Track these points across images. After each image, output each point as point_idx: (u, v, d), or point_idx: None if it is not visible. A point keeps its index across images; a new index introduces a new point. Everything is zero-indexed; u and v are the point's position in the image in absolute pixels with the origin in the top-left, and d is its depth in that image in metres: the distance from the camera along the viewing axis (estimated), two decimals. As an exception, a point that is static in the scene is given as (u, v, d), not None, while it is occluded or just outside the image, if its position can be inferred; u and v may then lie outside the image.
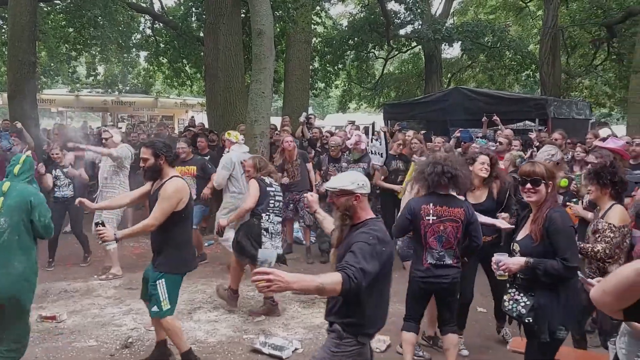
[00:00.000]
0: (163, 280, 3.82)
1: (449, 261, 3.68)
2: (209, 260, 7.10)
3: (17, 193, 3.58)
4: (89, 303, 5.52)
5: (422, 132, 9.74)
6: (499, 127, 8.32)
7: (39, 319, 4.90)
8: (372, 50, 19.35)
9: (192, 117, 19.14)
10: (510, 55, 17.63)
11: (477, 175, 4.40)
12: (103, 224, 3.75)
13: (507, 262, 3.02)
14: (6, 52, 13.06)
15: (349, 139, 7.37)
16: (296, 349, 4.36)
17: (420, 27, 16.31)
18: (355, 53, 18.60)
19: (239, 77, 11.04)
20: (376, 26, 17.02)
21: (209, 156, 8.51)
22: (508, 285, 3.21)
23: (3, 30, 15.33)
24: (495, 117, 8.42)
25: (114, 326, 4.88)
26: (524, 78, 19.63)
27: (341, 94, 22.07)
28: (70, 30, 15.80)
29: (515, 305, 3.06)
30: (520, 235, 3.16)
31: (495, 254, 3.14)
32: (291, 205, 7.16)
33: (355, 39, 17.49)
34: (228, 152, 6.69)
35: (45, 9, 14.44)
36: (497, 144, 7.10)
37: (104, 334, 4.69)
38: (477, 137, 8.72)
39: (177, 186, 3.83)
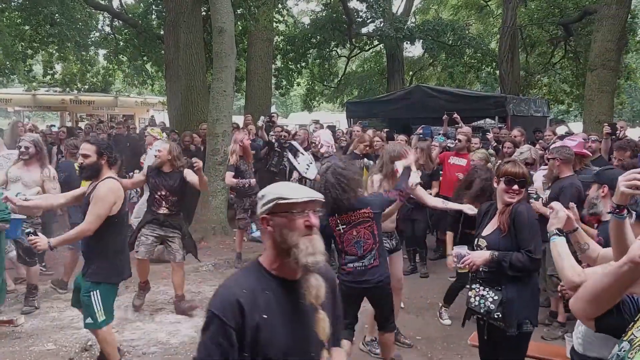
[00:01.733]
0: (97, 291, 3.63)
1: (373, 262, 3.58)
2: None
3: None
4: (47, 306, 5.40)
5: (385, 130, 9.89)
6: (459, 125, 8.52)
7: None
8: (335, 48, 19.45)
9: (153, 116, 18.88)
10: (470, 53, 18.01)
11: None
12: (35, 233, 3.53)
13: (472, 256, 3.01)
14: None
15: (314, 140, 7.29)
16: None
17: (382, 25, 16.48)
18: (317, 51, 18.67)
19: (201, 75, 10.96)
20: (338, 24, 17.13)
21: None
22: (470, 280, 3.21)
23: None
24: (455, 115, 8.62)
25: (73, 329, 4.79)
26: (484, 75, 20.08)
27: (305, 92, 22.11)
28: (26, 27, 15.29)
29: (482, 301, 3.02)
30: (486, 231, 3.14)
31: (455, 247, 3.16)
32: (250, 211, 6.96)
33: (318, 37, 17.56)
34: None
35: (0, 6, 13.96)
36: (457, 141, 7.26)
37: (62, 337, 4.61)
38: (438, 134, 8.92)
39: (111, 187, 3.64)
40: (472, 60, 18.64)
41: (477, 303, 3.06)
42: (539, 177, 5.23)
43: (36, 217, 5.16)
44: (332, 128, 13.00)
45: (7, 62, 16.20)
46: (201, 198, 8.32)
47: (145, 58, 16.77)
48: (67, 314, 5.15)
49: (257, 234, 7.81)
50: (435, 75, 23.01)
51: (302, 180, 6.45)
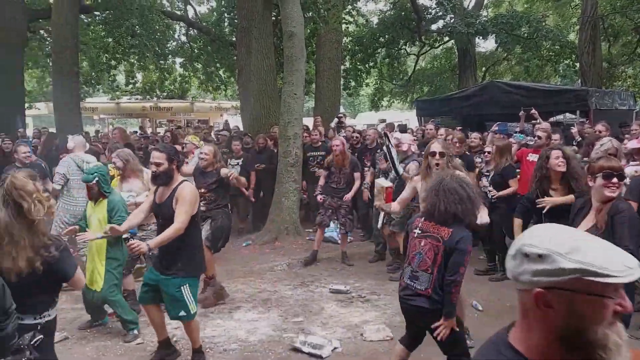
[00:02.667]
0: (187, 284, 3.90)
1: (419, 287, 3.22)
2: (247, 260, 7.25)
3: None
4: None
5: (458, 127, 9.66)
6: (537, 121, 8.17)
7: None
8: (404, 46, 19.24)
9: (226, 120, 19.47)
10: (547, 46, 17.23)
11: (555, 170, 4.33)
12: (132, 238, 3.81)
13: None
14: (51, 64, 13.64)
15: (381, 137, 7.32)
16: (335, 348, 4.42)
17: (452, 21, 16.11)
18: (386, 50, 18.54)
19: (272, 79, 11.20)
20: (407, 22, 16.94)
21: (242, 159, 8.69)
22: None
23: (47, 43, 15.99)
24: (533, 111, 8.27)
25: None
26: (563, 68, 19.14)
27: (373, 92, 22.02)
28: (110, 40, 16.36)
29: None
30: (580, 228, 2.99)
31: None
32: (330, 211, 7.04)
33: (386, 36, 17.44)
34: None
35: (85, 20, 14.99)
36: (536, 138, 6.97)
37: (150, 332, 4.84)
38: (515, 132, 8.59)
39: (192, 188, 3.90)
40: (550, 53, 17.81)
41: None
42: (629, 171, 4.92)
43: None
44: (403, 127, 12.86)
45: (93, 73, 17.35)
46: (274, 199, 8.50)
47: (218, 64, 17.40)
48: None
49: (331, 233, 7.88)
50: (510, 69, 22.19)
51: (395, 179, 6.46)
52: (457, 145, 6.86)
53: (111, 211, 4.50)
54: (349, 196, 6.89)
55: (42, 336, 2.49)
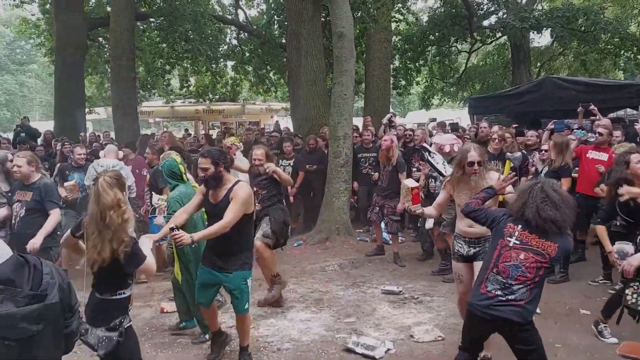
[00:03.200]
0: (250, 278, 4.09)
1: (512, 297, 3.02)
2: (299, 260, 7.31)
3: None
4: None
5: (513, 125, 9.39)
6: (597, 117, 7.83)
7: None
8: (455, 44, 18.88)
9: (277, 121, 19.69)
10: (606, 39, 16.45)
11: (638, 174, 4.21)
12: (178, 228, 3.77)
13: (631, 260, 2.78)
14: (109, 70, 14.23)
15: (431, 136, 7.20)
16: (388, 350, 4.38)
17: (505, 16, 15.67)
18: (436, 48, 18.25)
19: (321, 80, 11.25)
20: (458, 19, 16.60)
21: (294, 159, 8.77)
22: (631, 278, 2.99)
23: (106, 50, 16.69)
24: (592, 107, 7.93)
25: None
26: (624, 62, 18.22)
27: (423, 90, 21.71)
28: (164, 45, 16.89)
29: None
30: None
31: (616, 243, 2.94)
32: (377, 208, 7.20)
33: (437, 33, 17.15)
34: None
35: (141, 27, 15.52)
36: (597, 135, 6.68)
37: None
38: (576, 128, 8.25)
39: (247, 189, 3.99)
40: (609, 47, 16.99)
41: (634, 300, 2.83)
42: None
43: None
44: (454, 126, 12.62)
45: (149, 78, 17.95)
46: (325, 199, 8.53)
47: (268, 67, 17.64)
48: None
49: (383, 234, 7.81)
50: (566, 65, 21.35)
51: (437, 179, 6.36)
52: (496, 142, 6.59)
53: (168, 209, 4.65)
54: (400, 207, 6.58)
55: (131, 322, 3.01)
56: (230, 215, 3.81)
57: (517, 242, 3.08)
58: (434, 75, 20.42)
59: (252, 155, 5.68)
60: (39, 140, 11.34)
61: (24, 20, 19.64)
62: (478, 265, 3.90)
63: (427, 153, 6.08)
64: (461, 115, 22.93)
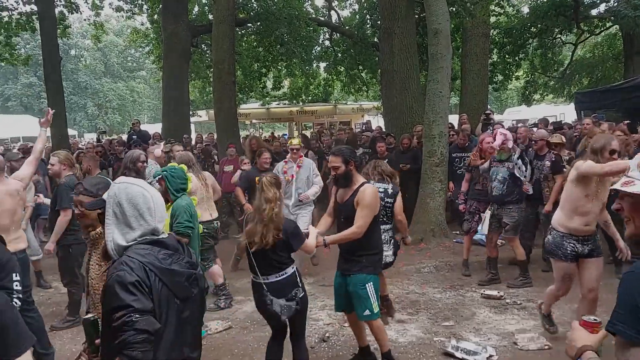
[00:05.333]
0: (372, 282, 3.90)
1: None
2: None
3: None
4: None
5: (625, 122, 8.68)
6: None
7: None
8: (559, 35, 17.77)
9: (368, 121, 19.68)
10: None
11: None
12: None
13: None
14: (211, 74, 14.99)
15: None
16: (490, 356, 4.22)
17: (616, 4, 14.48)
18: (538, 41, 17.29)
19: (415, 78, 11.09)
20: (563, 9, 15.59)
21: (387, 159, 8.69)
22: None
23: (207, 55, 17.60)
24: None
25: (311, 320, 5.24)
26: None
27: (523, 85, 20.64)
28: (260, 49, 17.50)
29: None
30: None
31: None
32: (477, 216, 6.63)
33: (539, 25, 16.24)
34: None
35: (239, 32, 16.19)
36: None
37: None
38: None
39: (373, 191, 3.87)
40: None
41: None
42: None
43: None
44: (558, 124, 11.90)
45: (246, 81, 18.68)
46: (419, 200, 8.40)
47: (360, 66, 17.67)
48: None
49: (480, 236, 7.56)
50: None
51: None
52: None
53: (172, 217, 4.37)
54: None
55: (304, 292, 3.60)
56: (360, 222, 3.79)
57: None
58: (536, 69, 19.36)
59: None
60: (149, 142, 12.19)
61: (134, 30, 21.24)
62: (593, 262, 4.02)
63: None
64: (565, 111, 21.59)
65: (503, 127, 9.01)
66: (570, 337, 1.70)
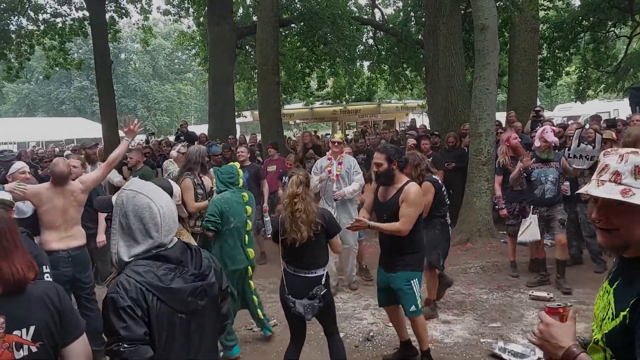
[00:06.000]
0: (416, 279, 3.96)
1: None
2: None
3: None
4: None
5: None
6: None
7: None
8: (612, 29, 17.06)
9: (413, 119, 19.48)
10: None
11: None
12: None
13: None
14: (255, 75, 15.19)
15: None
16: (539, 359, 4.12)
17: (676, -7, 13.79)
18: (590, 34, 16.63)
19: (460, 75, 10.91)
20: (616, 1, 14.95)
21: (431, 158, 8.57)
22: None
23: (252, 56, 17.85)
24: None
25: (355, 319, 5.26)
26: None
27: (576, 81, 19.91)
28: (304, 49, 17.60)
29: None
30: None
31: None
32: (521, 217, 6.26)
33: (591, 19, 15.63)
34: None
35: (283, 33, 16.33)
36: None
37: (347, 326, 5.10)
38: None
39: (417, 190, 3.89)
40: None
41: None
42: None
43: None
44: (611, 121, 11.41)
45: (289, 82, 18.82)
46: (465, 199, 8.26)
47: (405, 64, 17.50)
48: (350, 305, 5.69)
49: (523, 237, 7.32)
50: None
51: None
52: None
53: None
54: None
55: (326, 289, 3.59)
56: (404, 220, 3.82)
57: None
58: (588, 64, 18.65)
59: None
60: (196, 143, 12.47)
61: (181, 33, 21.78)
62: None
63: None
64: (619, 107, 20.69)
65: (553, 124, 8.76)
66: (548, 334, 1.53)
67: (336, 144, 6.34)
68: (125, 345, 1.71)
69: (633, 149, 1.51)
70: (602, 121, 10.54)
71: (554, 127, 7.05)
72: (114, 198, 2.06)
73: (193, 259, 1.98)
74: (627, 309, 1.42)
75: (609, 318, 1.48)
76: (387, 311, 4.33)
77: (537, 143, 5.90)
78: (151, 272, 1.82)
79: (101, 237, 5.55)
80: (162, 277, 1.83)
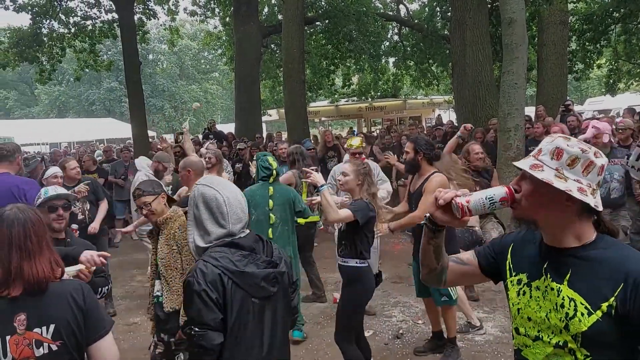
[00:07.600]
0: None
1: None
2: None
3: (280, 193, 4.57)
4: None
5: None
6: None
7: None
8: (645, 19, 16.59)
9: (439, 115, 19.32)
10: None
11: None
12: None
13: None
14: (281, 74, 15.28)
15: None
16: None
17: None
18: (622, 26, 16.21)
19: (487, 70, 10.77)
20: (650, -9, 14.54)
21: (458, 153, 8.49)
22: None
23: (277, 55, 17.94)
24: None
25: (384, 317, 5.26)
26: None
27: (607, 74, 19.44)
28: (329, 47, 17.61)
29: None
30: None
31: None
32: None
33: (622, 10, 15.24)
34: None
35: (308, 31, 16.38)
36: None
37: (377, 323, 5.11)
38: None
39: (438, 180, 3.97)
40: None
41: None
42: None
43: None
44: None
45: (315, 79, 18.86)
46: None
47: (430, 60, 17.37)
48: (378, 302, 5.68)
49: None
50: None
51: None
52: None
53: None
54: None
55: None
56: (421, 207, 3.94)
57: None
58: (619, 56, 18.18)
59: None
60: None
61: (208, 33, 22.01)
62: None
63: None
64: (654, 100, 20.12)
65: (598, 119, 8.55)
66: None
67: (356, 155, 5.27)
68: (196, 329, 1.84)
69: (567, 136, 1.53)
70: (635, 114, 10.28)
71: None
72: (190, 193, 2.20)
73: (265, 248, 2.12)
74: (612, 299, 1.37)
75: (581, 314, 1.41)
76: (425, 302, 4.46)
77: (589, 134, 5.49)
78: (226, 257, 1.95)
79: (95, 225, 5.48)
80: (237, 263, 1.96)
